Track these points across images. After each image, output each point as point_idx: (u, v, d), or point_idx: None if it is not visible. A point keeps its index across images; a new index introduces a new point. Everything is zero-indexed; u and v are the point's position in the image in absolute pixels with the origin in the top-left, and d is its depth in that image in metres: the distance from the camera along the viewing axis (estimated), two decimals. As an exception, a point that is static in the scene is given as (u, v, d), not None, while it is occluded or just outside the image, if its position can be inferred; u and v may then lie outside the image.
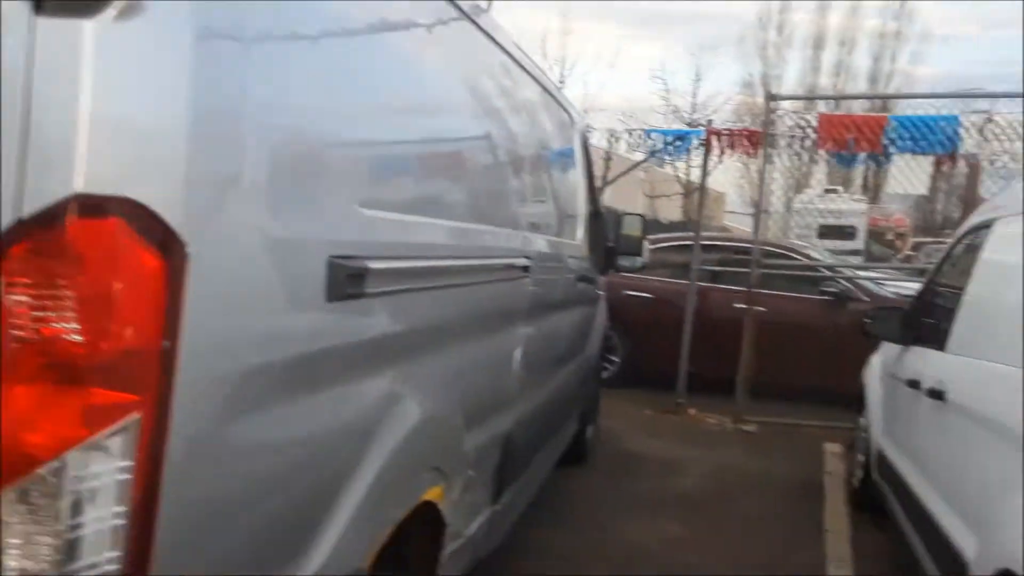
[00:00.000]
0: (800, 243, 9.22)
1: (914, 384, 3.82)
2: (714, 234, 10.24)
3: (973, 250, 3.74)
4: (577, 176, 4.28)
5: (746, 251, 7.24)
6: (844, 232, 19.14)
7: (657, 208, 21.38)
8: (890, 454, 4.20)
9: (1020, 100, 6.37)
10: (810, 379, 6.96)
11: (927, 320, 4.09)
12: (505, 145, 2.82)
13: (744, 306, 6.98)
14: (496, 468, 2.73)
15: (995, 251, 3.42)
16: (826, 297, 7.46)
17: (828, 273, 7.83)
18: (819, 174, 24.10)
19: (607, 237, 5.06)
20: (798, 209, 17.51)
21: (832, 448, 6.24)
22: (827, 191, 20.54)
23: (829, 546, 4.40)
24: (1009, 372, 2.77)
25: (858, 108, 13.25)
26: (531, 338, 3.04)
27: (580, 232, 4.23)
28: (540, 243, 3.14)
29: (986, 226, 3.60)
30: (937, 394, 3.42)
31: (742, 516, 4.80)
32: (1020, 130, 6.33)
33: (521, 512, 3.38)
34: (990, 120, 6.33)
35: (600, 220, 5.08)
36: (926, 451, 3.61)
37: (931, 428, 3.58)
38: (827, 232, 17.61)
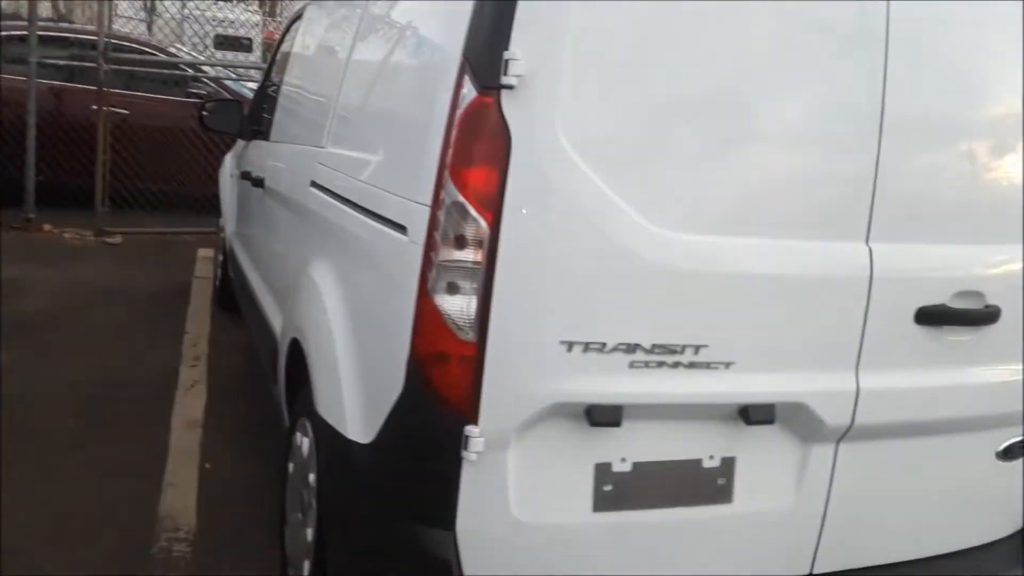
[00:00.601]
0: (174, 46, 8.62)
1: (247, 176, 3.85)
2: (54, 25, 8.95)
3: (289, 42, 3.79)
4: None
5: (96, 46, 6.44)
6: (241, 44, 18.73)
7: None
8: (237, 249, 4.26)
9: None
10: (182, 184, 6.71)
11: (264, 115, 4.12)
12: None
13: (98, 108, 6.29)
14: None
15: (301, 38, 3.49)
16: (194, 100, 7.15)
17: (191, 72, 7.49)
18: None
19: None
20: (191, 16, 16.43)
21: (205, 253, 6.19)
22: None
23: (186, 346, 4.40)
24: (282, 148, 2.87)
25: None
26: None
27: None
28: None
29: (299, 17, 3.66)
30: (259, 182, 3.48)
31: (96, 330, 4.51)
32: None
33: None
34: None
35: None
36: (256, 240, 3.71)
37: (258, 217, 3.67)
38: (224, 43, 17.01)
